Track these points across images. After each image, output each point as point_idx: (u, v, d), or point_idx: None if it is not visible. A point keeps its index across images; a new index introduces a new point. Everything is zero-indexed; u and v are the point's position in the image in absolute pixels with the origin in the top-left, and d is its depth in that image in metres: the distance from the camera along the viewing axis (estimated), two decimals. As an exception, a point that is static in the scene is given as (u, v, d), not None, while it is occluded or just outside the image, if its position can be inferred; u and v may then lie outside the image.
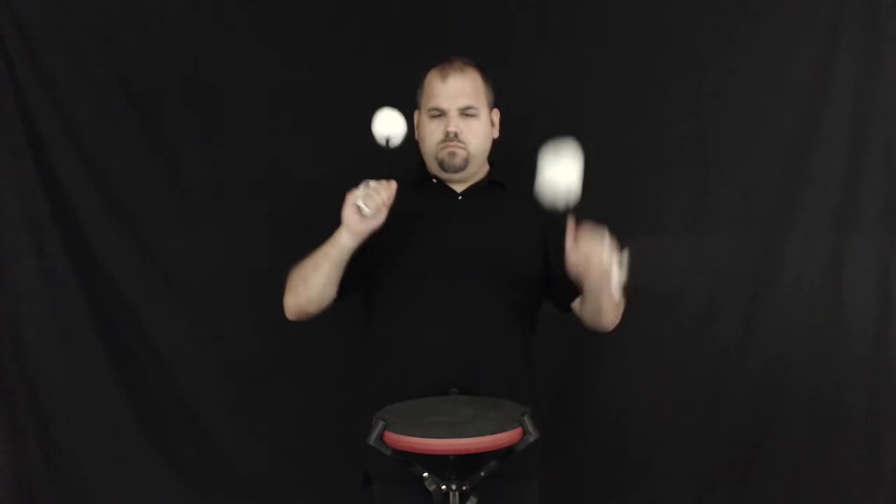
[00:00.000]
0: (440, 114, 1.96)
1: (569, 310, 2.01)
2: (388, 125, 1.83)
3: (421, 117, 2.02)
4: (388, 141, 1.82)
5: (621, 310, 1.93)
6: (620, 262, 1.69)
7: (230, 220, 2.48)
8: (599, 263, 1.70)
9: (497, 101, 2.04)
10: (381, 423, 1.66)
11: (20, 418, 2.41)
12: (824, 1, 2.43)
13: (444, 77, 1.96)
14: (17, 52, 2.36)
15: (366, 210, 1.76)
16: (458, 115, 1.95)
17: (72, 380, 2.42)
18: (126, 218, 2.45)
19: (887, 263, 2.44)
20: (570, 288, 1.91)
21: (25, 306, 2.40)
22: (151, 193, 2.46)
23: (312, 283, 1.88)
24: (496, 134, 2.05)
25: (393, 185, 1.78)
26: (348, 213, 1.79)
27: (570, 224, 1.72)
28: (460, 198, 2.02)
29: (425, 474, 1.70)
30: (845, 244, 2.44)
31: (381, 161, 1.78)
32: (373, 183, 1.78)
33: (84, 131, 2.41)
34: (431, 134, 1.97)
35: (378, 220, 1.79)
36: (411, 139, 2.05)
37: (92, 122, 2.42)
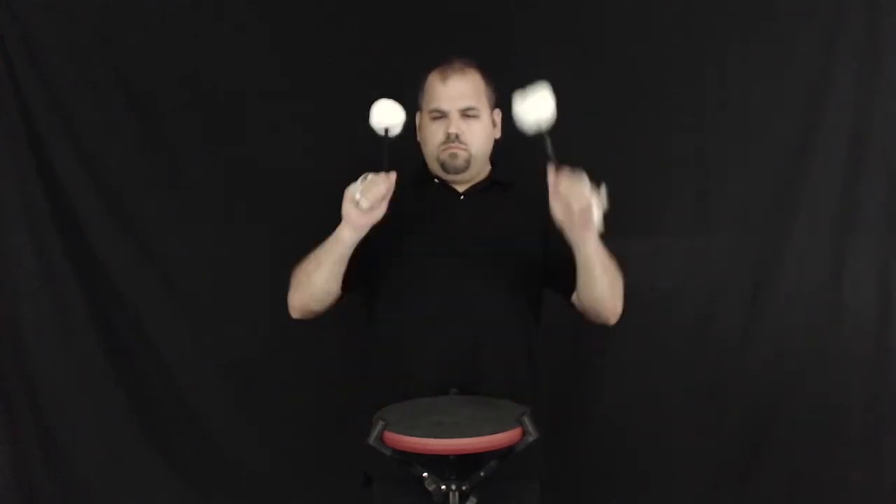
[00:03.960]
0: (441, 115, 1.96)
1: (571, 297, 1.98)
2: (386, 115, 1.81)
3: (422, 119, 2.02)
4: (386, 131, 1.80)
5: (620, 297, 1.91)
6: (600, 197, 1.69)
7: (230, 220, 2.48)
8: (580, 200, 1.69)
9: (498, 102, 2.04)
10: (381, 423, 1.66)
11: (20, 418, 2.41)
12: (824, 1, 2.42)
13: (444, 79, 1.96)
14: (17, 52, 2.36)
15: (363, 203, 1.73)
16: (459, 117, 1.95)
17: (72, 380, 2.42)
18: (126, 218, 2.45)
19: (887, 263, 2.44)
20: (572, 273, 1.90)
21: (25, 306, 2.40)
22: (151, 193, 2.46)
23: (316, 280, 1.87)
24: (498, 134, 2.05)
25: (392, 176, 1.75)
26: (347, 207, 1.76)
27: (550, 171, 1.72)
28: (462, 198, 2.02)
29: (425, 474, 1.70)
30: (845, 244, 2.44)
31: (381, 152, 1.75)
32: (371, 175, 1.74)
33: (84, 131, 2.41)
34: (433, 135, 1.98)
35: (378, 213, 1.76)
36: (413, 140, 2.05)
37: (92, 122, 2.42)
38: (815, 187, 2.44)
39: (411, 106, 2.06)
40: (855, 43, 2.41)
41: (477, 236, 1.98)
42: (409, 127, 2.07)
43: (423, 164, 2.05)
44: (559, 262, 1.92)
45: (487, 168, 2.07)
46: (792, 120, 2.45)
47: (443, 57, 2.00)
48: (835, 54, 2.42)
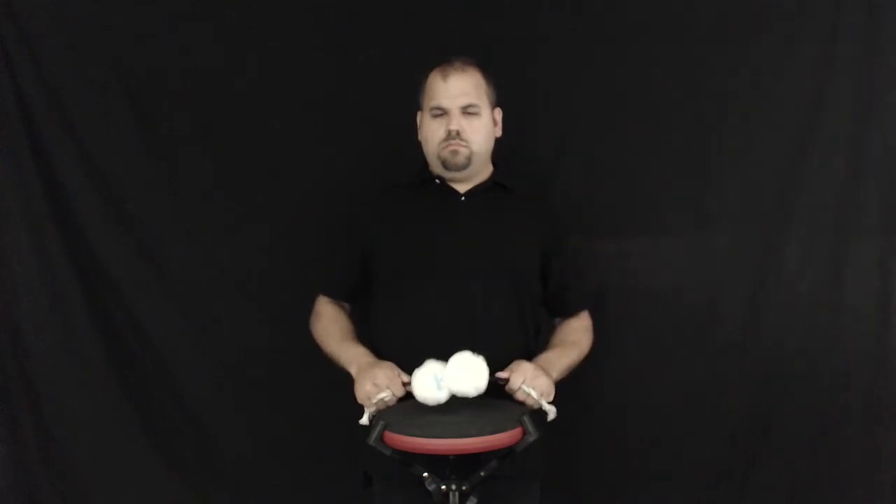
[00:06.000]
0: (442, 113, 1.97)
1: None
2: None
3: (423, 117, 2.02)
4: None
5: (588, 341, 2.10)
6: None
7: (230, 220, 2.48)
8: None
9: (499, 100, 2.04)
10: (381, 423, 1.66)
11: (20, 418, 2.41)
12: (824, 1, 2.42)
13: (444, 76, 1.97)
14: (17, 52, 2.36)
15: (367, 416, 1.79)
16: (460, 114, 1.96)
17: (72, 380, 2.41)
18: (126, 218, 2.44)
19: (887, 263, 2.43)
20: (558, 299, 2.08)
21: (25, 306, 2.40)
22: (151, 193, 2.45)
23: (323, 352, 2.05)
24: (499, 132, 2.06)
25: (399, 390, 1.80)
26: (362, 390, 1.83)
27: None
28: (463, 198, 2.03)
29: (425, 474, 1.70)
30: (845, 244, 2.44)
31: None
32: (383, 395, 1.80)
33: (84, 131, 2.41)
34: (433, 133, 1.98)
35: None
36: (415, 140, 2.05)
37: (92, 122, 2.41)
38: (815, 187, 2.44)
39: (411, 106, 2.07)
40: (855, 43, 2.41)
41: (477, 237, 1.98)
42: (410, 126, 2.08)
43: (425, 163, 2.05)
44: (551, 286, 2.06)
45: (489, 168, 2.07)
46: (792, 119, 2.44)
47: (443, 56, 2.00)
48: (835, 54, 2.41)
